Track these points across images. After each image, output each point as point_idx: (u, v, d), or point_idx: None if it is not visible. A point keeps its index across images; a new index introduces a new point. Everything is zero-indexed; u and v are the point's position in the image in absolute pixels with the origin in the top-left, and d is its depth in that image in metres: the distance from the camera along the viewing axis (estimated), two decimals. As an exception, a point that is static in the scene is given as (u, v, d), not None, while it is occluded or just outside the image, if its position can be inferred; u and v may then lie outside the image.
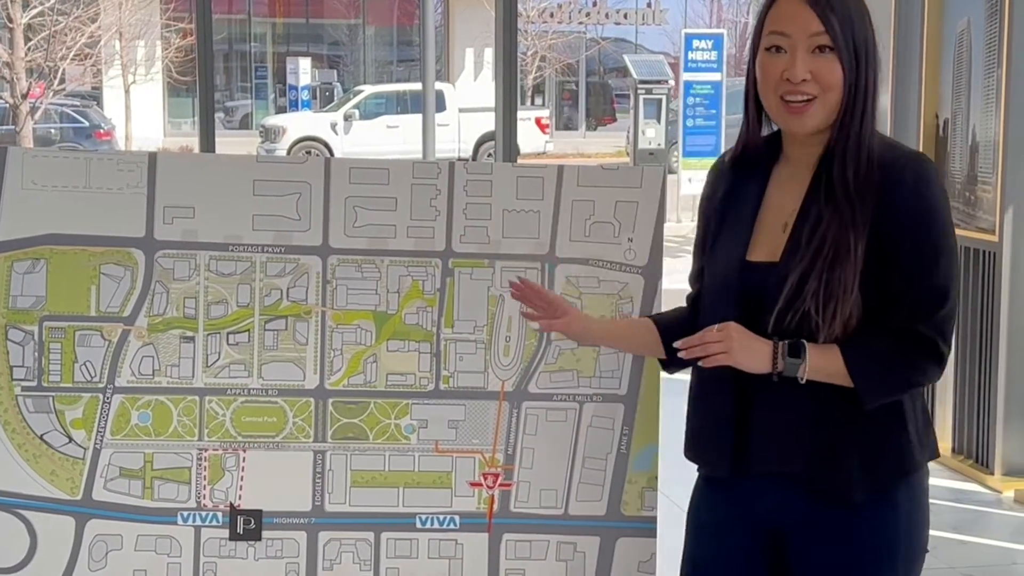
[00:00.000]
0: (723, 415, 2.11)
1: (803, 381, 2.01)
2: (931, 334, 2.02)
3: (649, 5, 30.89)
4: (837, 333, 2.00)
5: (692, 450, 2.19)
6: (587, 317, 2.27)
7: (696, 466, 2.22)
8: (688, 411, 2.21)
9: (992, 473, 4.92)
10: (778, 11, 2.08)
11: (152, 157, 2.31)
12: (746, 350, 2.02)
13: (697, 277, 2.27)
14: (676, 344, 2.07)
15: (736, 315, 2.06)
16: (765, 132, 2.18)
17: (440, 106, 18.33)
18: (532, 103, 28.99)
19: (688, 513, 2.22)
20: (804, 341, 2.00)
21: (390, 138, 20.45)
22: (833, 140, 2.07)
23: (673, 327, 2.20)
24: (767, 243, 2.10)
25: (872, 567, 2.11)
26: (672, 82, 16.29)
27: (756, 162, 2.17)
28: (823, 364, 2.01)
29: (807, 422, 2.06)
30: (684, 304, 2.28)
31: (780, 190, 2.14)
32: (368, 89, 23.05)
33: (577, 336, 2.24)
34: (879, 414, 2.06)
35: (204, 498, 2.29)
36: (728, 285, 2.12)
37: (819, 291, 2.00)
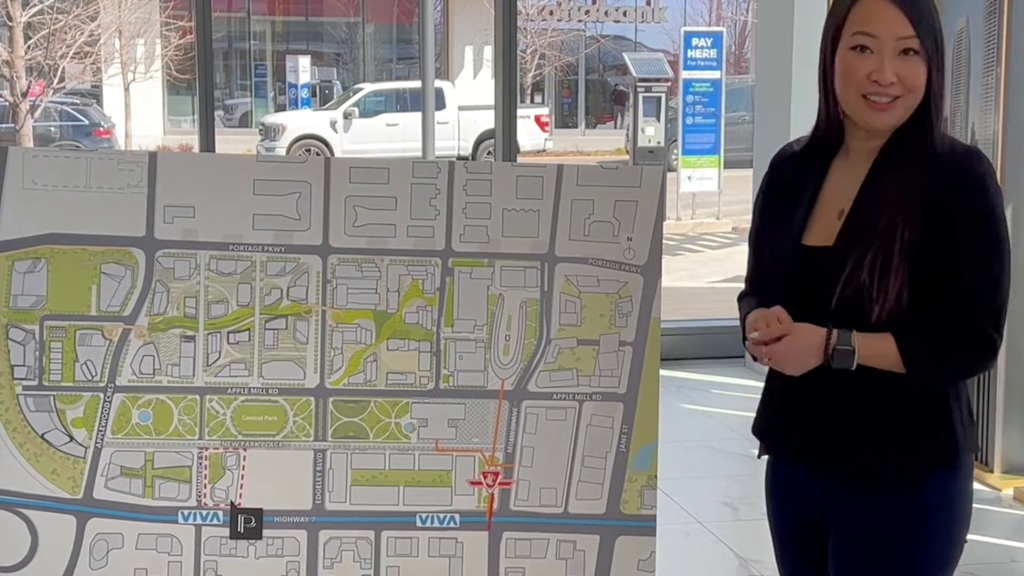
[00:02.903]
0: (774, 397, 2.25)
1: (854, 368, 2.08)
2: (984, 324, 2.08)
3: (648, 3, 30.89)
4: (891, 309, 2.06)
5: (757, 434, 2.34)
6: None
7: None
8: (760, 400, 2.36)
9: (991, 471, 4.93)
10: (864, 10, 2.12)
11: (152, 157, 2.31)
12: (800, 364, 2.12)
13: (750, 270, 2.39)
14: (757, 355, 2.18)
15: (789, 298, 2.16)
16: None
17: (440, 104, 18.34)
18: (532, 101, 28.98)
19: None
20: (855, 334, 2.08)
21: (390, 136, 20.46)
22: (901, 133, 2.14)
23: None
24: (823, 229, 2.19)
25: (899, 557, 2.16)
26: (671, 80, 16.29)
27: (817, 154, 2.25)
28: (875, 350, 2.08)
29: (848, 408, 2.15)
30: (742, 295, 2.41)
31: (838, 179, 2.22)
32: (368, 87, 23.06)
33: None
34: (924, 405, 2.12)
35: (205, 497, 2.29)
36: (782, 268, 2.22)
37: (875, 266, 2.06)
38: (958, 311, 2.08)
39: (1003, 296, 2.10)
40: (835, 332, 2.09)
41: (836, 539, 2.23)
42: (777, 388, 2.28)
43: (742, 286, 2.47)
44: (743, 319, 2.35)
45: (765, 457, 2.40)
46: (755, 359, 2.33)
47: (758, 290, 2.35)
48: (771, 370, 2.31)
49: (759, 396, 2.39)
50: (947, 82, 2.18)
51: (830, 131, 2.23)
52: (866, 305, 2.08)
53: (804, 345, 2.11)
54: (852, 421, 2.17)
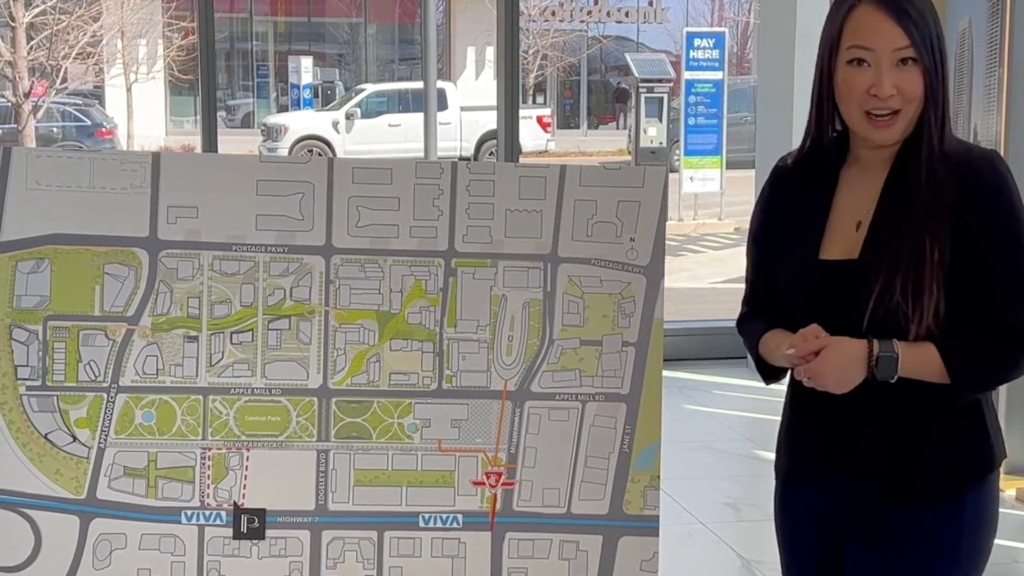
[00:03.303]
0: (809, 412, 2.18)
1: (895, 380, 2.04)
2: (1022, 327, 2.05)
3: (650, 3, 30.88)
4: (928, 325, 2.03)
5: (779, 451, 2.27)
6: None
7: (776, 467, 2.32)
8: (782, 416, 2.29)
9: (994, 472, 4.93)
10: (858, 22, 2.08)
11: (155, 157, 2.31)
12: (841, 379, 2.07)
13: (752, 291, 2.34)
14: (798, 376, 2.13)
15: (819, 314, 2.11)
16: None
17: (442, 104, 18.35)
18: (534, 101, 28.98)
19: (775, 520, 2.35)
20: (896, 342, 2.04)
21: (392, 137, 20.45)
22: (912, 141, 2.10)
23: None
24: (840, 242, 2.15)
25: (933, 566, 2.13)
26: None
27: (822, 165, 2.20)
28: (917, 362, 2.04)
29: (889, 420, 2.11)
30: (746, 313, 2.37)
31: (850, 190, 2.17)
32: (370, 87, 23.07)
33: None
34: (959, 413, 2.09)
35: (208, 497, 2.29)
36: (802, 285, 2.16)
37: (908, 286, 2.03)
38: (997, 317, 2.05)
39: None
40: (875, 342, 2.04)
41: (862, 554, 2.17)
42: (801, 405, 2.22)
43: (743, 286, 2.44)
44: (755, 344, 2.29)
45: (771, 469, 2.36)
46: (766, 378, 2.30)
47: (765, 310, 2.30)
48: (790, 388, 2.27)
49: (761, 397, 2.37)
50: (950, 85, 2.14)
51: (822, 144, 2.19)
52: (902, 324, 2.04)
53: (845, 357, 2.05)
54: (889, 434, 2.12)
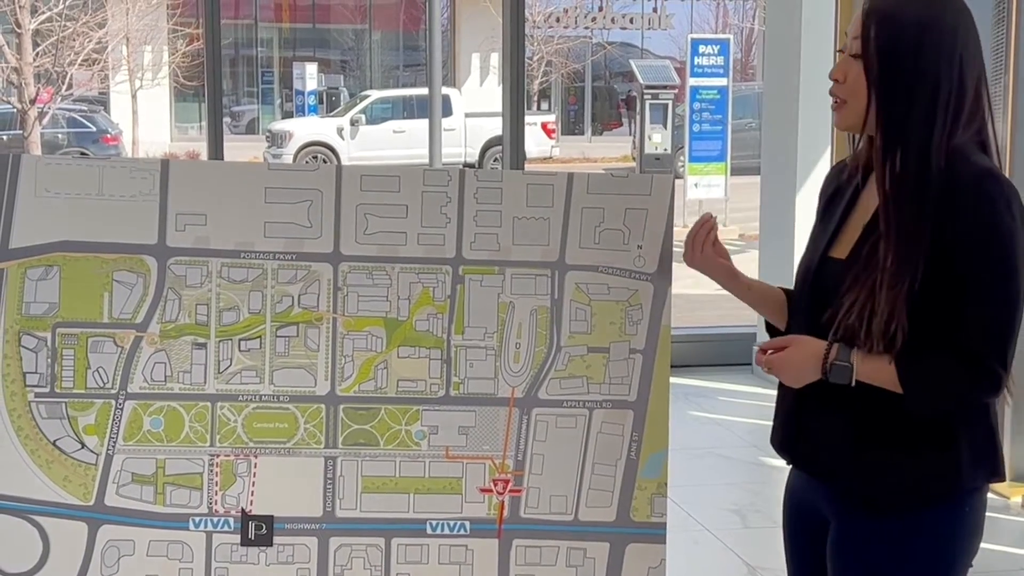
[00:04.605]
0: (786, 410, 2.24)
1: (853, 384, 2.06)
2: (988, 357, 2.00)
3: (655, 10, 30.89)
4: (878, 348, 2.02)
5: (772, 437, 2.32)
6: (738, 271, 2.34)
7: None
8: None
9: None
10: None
11: (164, 165, 2.32)
12: (797, 377, 2.12)
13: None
14: (758, 363, 2.20)
15: (809, 307, 2.17)
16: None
17: (446, 111, 18.35)
18: (538, 108, 28.99)
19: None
20: (855, 352, 2.05)
21: (396, 143, 20.47)
22: (887, 155, 2.07)
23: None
24: (847, 240, 2.18)
25: None
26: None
27: (860, 169, 2.23)
28: (873, 375, 2.05)
29: (852, 429, 2.12)
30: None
31: (869, 194, 2.19)
32: (374, 94, 23.10)
33: (723, 279, 2.32)
34: (928, 430, 2.06)
35: (216, 504, 2.30)
36: (806, 278, 2.23)
37: (864, 308, 2.03)
38: (959, 340, 2.00)
39: (1013, 329, 2.01)
40: (835, 347, 2.05)
41: (830, 557, 2.18)
42: (786, 399, 2.26)
43: None
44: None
45: (777, 475, 2.39)
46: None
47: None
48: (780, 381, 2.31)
49: (767, 403, 2.39)
50: (944, 109, 2.05)
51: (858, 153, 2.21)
52: (856, 340, 2.04)
53: (802, 357, 2.10)
54: (852, 438, 2.11)
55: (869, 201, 2.16)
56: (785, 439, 2.25)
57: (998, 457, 2.13)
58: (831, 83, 2.15)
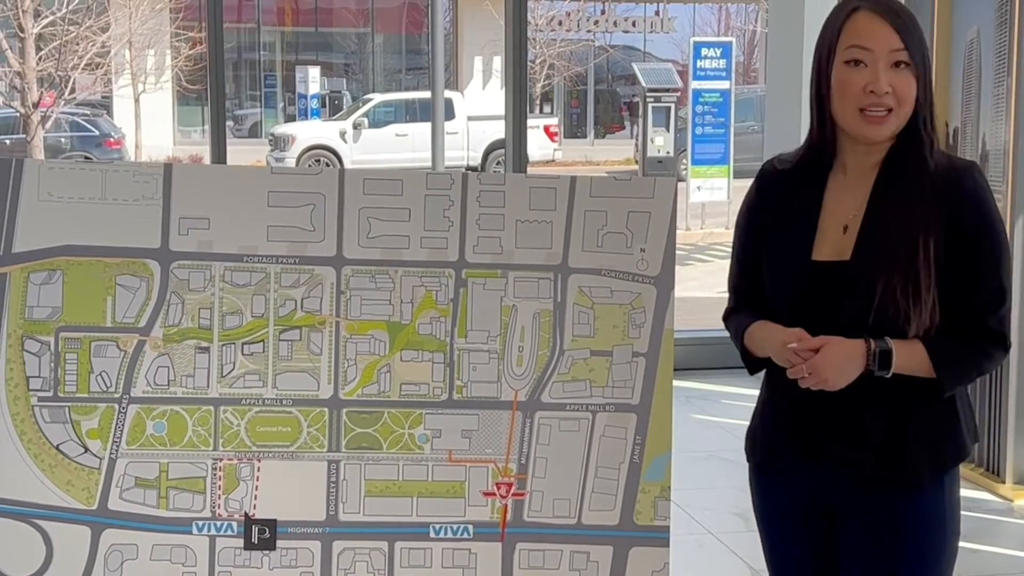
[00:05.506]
0: (796, 405, 2.27)
1: (889, 375, 2.17)
2: (998, 327, 2.22)
3: (657, 13, 30.88)
4: (926, 325, 2.17)
5: (756, 439, 2.41)
6: None
7: (748, 460, 2.48)
8: (759, 406, 2.42)
9: (1003, 482, 4.92)
10: (857, 25, 2.21)
11: (167, 169, 2.32)
12: (842, 374, 2.18)
13: (738, 287, 2.43)
14: (789, 375, 2.22)
15: (806, 313, 2.22)
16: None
17: (449, 114, 18.37)
18: (541, 111, 29.00)
19: (754, 507, 2.49)
20: (889, 339, 2.16)
21: (399, 146, 20.48)
22: (901, 147, 2.23)
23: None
24: (828, 244, 2.26)
25: (924, 546, 2.25)
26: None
27: (810, 169, 2.31)
28: (908, 358, 2.18)
29: (877, 411, 2.22)
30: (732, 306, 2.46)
31: (838, 194, 2.29)
32: (377, 97, 23.11)
33: None
34: (939, 405, 2.23)
35: (219, 508, 2.30)
36: (792, 283, 2.27)
37: (907, 288, 2.16)
38: (975, 318, 2.20)
39: (1010, 300, 2.24)
40: (871, 339, 2.17)
41: (855, 538, 2.27)
42: (783, 396, 2.31)
43: None
44: (741, 335, 2.37)
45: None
46: (751, 371, 2.38)
47: (751, 306, 2.38)
48: (770, 379, 2.36)
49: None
50: (941, 95, 2.26)
51: (824, 146, 2.30)
52: (902, 324, 2.16)
53: (845, 354, 2.16)
54: (873, 424, 2.23)
55: (840, 201, 2.26)
56: (794, 432, 2.30)
57: (975, 421, 2.35)
58: (860, 96, 2.19)
